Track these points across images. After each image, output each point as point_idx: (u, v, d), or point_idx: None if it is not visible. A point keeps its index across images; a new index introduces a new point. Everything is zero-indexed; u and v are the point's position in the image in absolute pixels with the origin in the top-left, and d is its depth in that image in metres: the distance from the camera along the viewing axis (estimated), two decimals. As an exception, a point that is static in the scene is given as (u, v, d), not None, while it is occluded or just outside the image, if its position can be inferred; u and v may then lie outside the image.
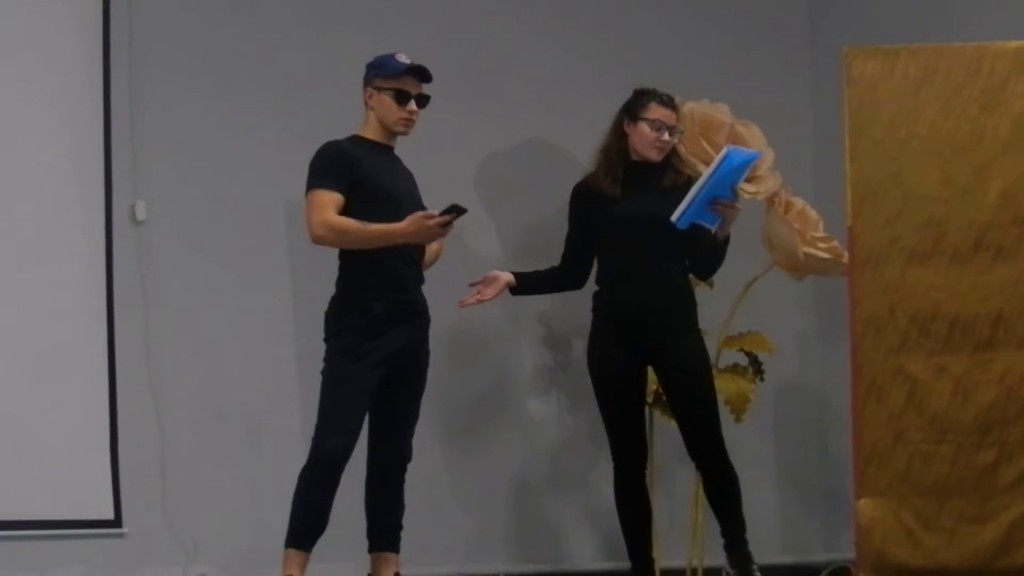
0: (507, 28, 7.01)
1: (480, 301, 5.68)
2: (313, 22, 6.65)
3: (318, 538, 5.36)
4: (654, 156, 5.59)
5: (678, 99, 6.16)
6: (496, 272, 5.73)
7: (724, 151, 5.38)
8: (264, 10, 6.58)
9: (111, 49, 6.24)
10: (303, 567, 5.35)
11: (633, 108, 5.63)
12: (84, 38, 6.20)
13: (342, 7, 6.70)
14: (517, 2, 7.06)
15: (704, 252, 5.59)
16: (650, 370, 5.71)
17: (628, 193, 5.58)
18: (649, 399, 5.97)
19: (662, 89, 6.07)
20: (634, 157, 5.62)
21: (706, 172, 5.38)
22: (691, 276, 5.75)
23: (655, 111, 5.58)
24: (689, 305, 5.65)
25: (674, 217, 5.36)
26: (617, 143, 5.64)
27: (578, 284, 5.82)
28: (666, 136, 5.58)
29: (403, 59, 5.48)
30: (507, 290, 5.73)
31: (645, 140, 5.58)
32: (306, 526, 5.33)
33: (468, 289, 5.71)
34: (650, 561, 5.74)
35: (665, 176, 5.55)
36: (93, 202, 6.19)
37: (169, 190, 6.35)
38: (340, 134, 5.52)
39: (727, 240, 5.59)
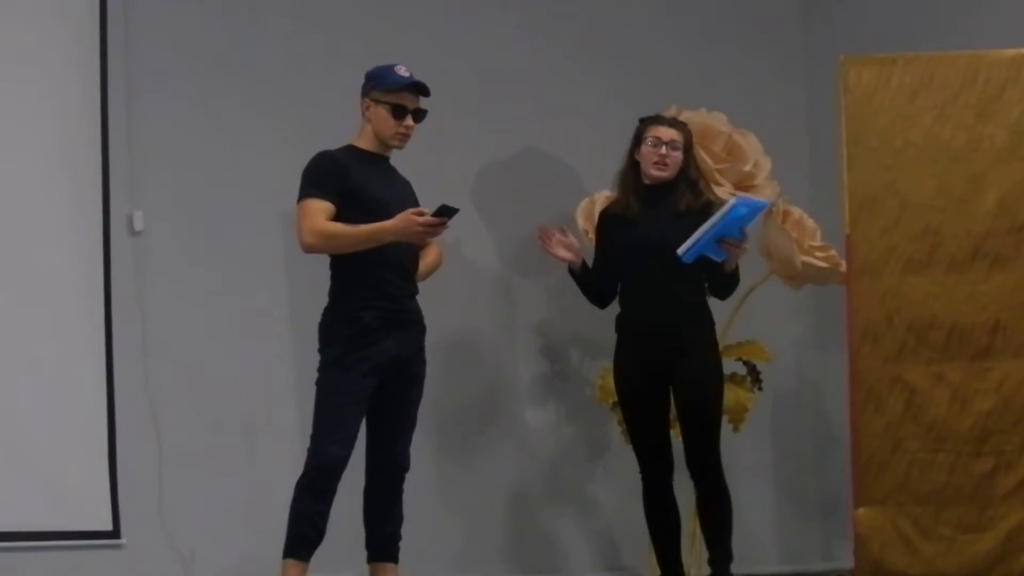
0: (502, 37, 7.00)
1: (553, 245, 5.77)
2: (310, 31, 6.65)
3: (316, 548, 5.34)
4: (655, 172, 5.62)
5: (673, 110, 6.18)
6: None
7: (731, 202, 5.41)
8: (261, 20, 6.58)
9: (108, 60, 6.23)
10: (301, 578, 5.35)
11: (637, 135, 5.71)
12: (81, 49, 6.20)
13: (339, 16, 6.70)
14: (512, 11, 7.06)
15: (713, 279, 5.64)
16: None
17: (644, 217, 5.64)
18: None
19: (659, 98, 6.08)
20: (646, 181, 5.66)
21: (712, 218, 5.39)
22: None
23: (652, 131, 5.65)
24: (703, 323, 5.67)
25: (680, 251, 5.42)
26: (631, 169, 5.72)
27: (602, 304, 5.86)
28: (663, 150, 5.59)
29: (403, 72, 5.45)
30: (568, 270, 5.79)
31: (647, 159, 5.63)
32: (304, 536, 5.32)
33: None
34: (679, 571, 5.76)
35: (681, 199, 5.59)
36: (90, 212, 6.18)
37: (166, 200, 6.34)
38: (337, 142, 5.52)
39: (736, 270, 5.62)
